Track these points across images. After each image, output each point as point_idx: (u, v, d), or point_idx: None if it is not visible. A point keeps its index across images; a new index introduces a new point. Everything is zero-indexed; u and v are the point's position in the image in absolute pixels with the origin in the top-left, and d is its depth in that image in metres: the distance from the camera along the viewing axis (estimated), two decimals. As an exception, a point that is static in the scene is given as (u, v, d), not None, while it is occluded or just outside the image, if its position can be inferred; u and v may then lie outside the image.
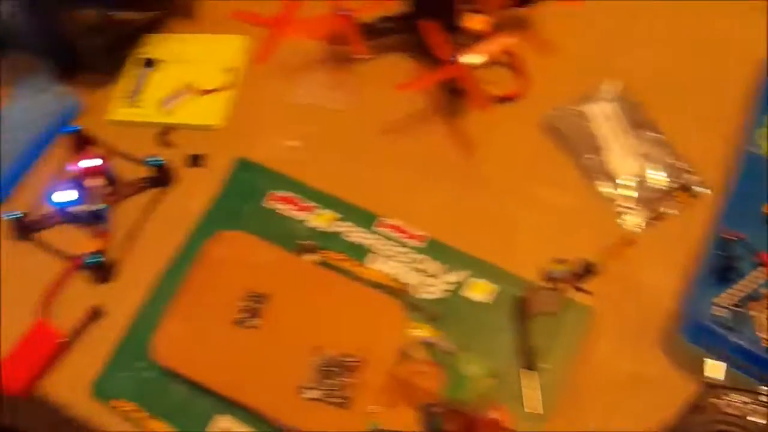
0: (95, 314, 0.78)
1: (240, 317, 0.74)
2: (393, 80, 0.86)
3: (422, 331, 0.72)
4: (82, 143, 0.88)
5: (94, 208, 0.83)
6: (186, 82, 0.91)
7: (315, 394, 0.69)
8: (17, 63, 0.96)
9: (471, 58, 0.81)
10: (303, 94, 0.89)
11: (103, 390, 0.74)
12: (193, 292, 0.76)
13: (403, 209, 0.80)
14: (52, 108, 0.90)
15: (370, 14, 0.89)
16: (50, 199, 0.84)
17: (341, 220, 0.81)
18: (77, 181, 0.84)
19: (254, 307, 0.74)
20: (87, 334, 0.78)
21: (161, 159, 0.84)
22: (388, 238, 0.79)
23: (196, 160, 0.86)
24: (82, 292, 0.80)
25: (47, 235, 0.85)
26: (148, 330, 0.75)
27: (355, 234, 0.80)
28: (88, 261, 0.79)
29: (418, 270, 0.77)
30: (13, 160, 0.87)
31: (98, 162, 0.83)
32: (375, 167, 0.85)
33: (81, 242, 0.83)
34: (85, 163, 0.83)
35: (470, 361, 0.70)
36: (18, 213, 0.83)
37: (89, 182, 0.83)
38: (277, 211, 0.82)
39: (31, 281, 0.81)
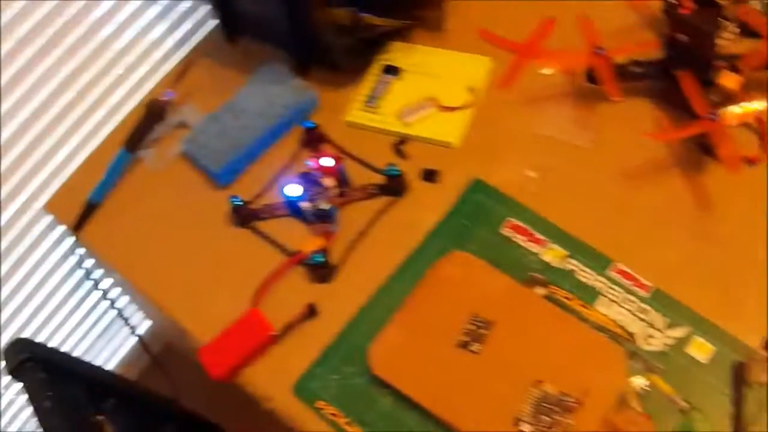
0: (310, 312, 0.80)
1: (462, 339, 0.74)
2: (638, 125, 0.86)
3: (641, 382, 0.72)
4: (316, 140, 0.93)
5: (322, 207, 0.86)
6: (427, 95, 0.95)
7: (529, 428, 0.69)
8: (251, 50, 1.02)
9: (730, 117, 0.81)
10: (546, 125, 0.90)
11: (305, 389, 0.76)
12: (418, 307, 0.77)
13: (633, 256, 0.80)
14: (288, 100, 0.94)
15: (623, 56, 0.89)
16: (282, 191, 0.88)
17: (571, 257, 0.81)
18: (310, 177, 0.88)
19: (478, 331, 0.74)
20: (298, 331, 0.80)
21: (398, 169, 0.87)
22: (616, 284, 0.79)
23: (430, 175, 0.89)
24: (299, 288, 0.82)
25: (267, 225, 0.89)
26: (361, 336, 0.77)
27: (585, 274, 0.80)
28: (310, 259, 0.82)
29: (641, 320, 0.77)
30: (242, 146, 0.91)
31: (332, 162, 0.88)
32: (610, 210, 0.84)
33: (303, 238, 0.85)
34: (324, 161, 0.88)
35: (701, 421, 0.70)
36: (240, 199, 0.87)
37: (325, 181, 0.88)
38: (511, 239, 0.83)
39: (245, 268, 0.85)
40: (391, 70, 0.95)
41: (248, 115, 0.93)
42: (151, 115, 0.93)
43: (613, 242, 0.81)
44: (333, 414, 0.74)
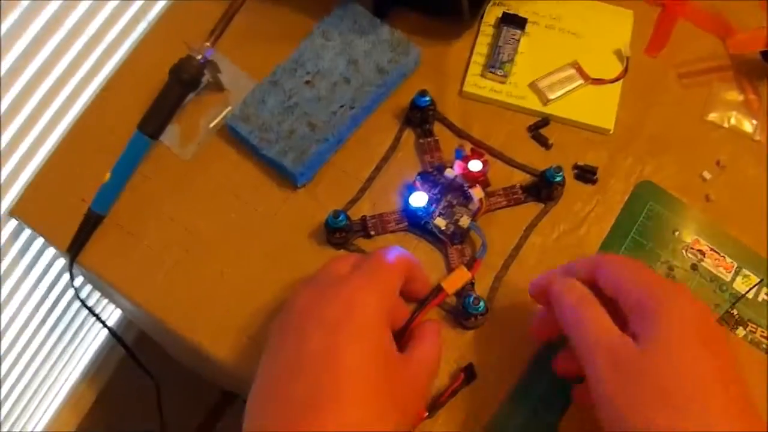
0: (468, 376, 0.61)
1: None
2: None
3: None
4: (424, 121, 0.69)
5: (463, 224, 0.64)
6: (567, 59, 0.72)
7: None
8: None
9: None
10: (714, 110, 0.72)
11: None
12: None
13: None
14: (383, 58, 0.69)
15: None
16: (407, 200, 0.65)
17: (766, 286, 0.66)
18: (431, 177, 0.66)
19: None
20: (452, 404, 0.60)
21: (561, 173, 0.65)
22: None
23: (587, 174, 0.68)
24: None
25: (372, 245, 0.66)
26: (533, 401, 0.60)
27: None
28: (466, 305, 0.61)
29: None
30: (324, 129, 0.66)
31: (480, 166, 0.65)
32: None
33: (434, 266, 0.65)
34: (473, 166, 0.64)
35: None
36: (345, 217, 0.63)
37: (474, 192, 0.64)
38: (700, 264, 0.66)
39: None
40: (514, 21, 0.70)
41: (325, 81, 0.66)
42: (182, 83, 0.64)
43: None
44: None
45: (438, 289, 0.60)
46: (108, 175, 0.65)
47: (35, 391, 0.99)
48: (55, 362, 1.01)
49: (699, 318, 0.48)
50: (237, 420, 0.49)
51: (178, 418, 0.99)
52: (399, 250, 0.55)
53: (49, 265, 0.82)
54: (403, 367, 0.51)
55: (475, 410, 0.59)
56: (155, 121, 0.65)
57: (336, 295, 0.50)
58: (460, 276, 0.60)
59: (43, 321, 0.89)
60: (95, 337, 1.09)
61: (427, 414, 0.57)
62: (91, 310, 0.71)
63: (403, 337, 0.56)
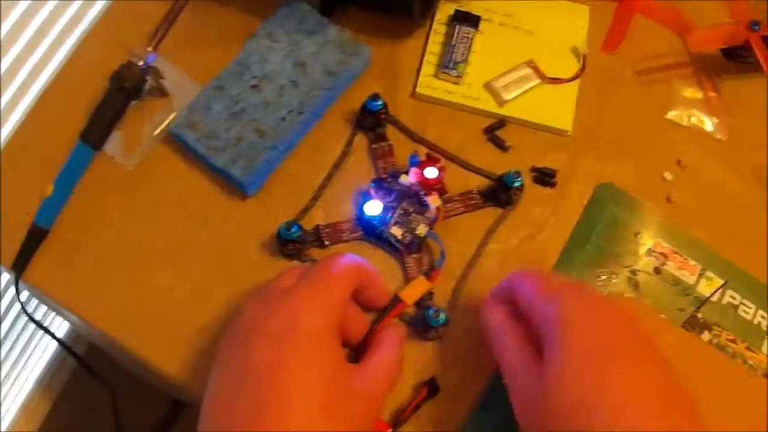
0: (431, 390, 0.59)
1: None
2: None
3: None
4: (375, 124, 0.67)
5: (419, 232, 0.62)
6: (523, 58, 0.70)
7: None
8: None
9: None
10: (674, 108, 0.70)
11: None
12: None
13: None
14: (331, 59, 0.67)
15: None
16: (361, 208, 0.63)
17: (729, 288, 0.65)
18: (384, 185, 0.64)
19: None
20: (415, 417, 0.59)
21: (521, 178, 0.63)
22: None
23: (546, 177, 0.67)
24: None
25: (324, 254, 0.64)
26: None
27: (746, 309, 0.65)
28: (427, 318, 0.59)
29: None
30: (273, 135, 0.64)
31: (437, 173, 0.63)
32: (761, 224, 0.67)
33: (391, 276, 0.63)
34: (429, 173, 0.62)
35: None
36: (299, 228, 0.61)
37: (430, 200, 0.62)
38: (663, 267, 0.65)
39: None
40: (467, 19, 0.68)
41: (272, 85, 0.64)
42: (123, 90, 0.61)
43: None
44: None
45: (396, 300, 0.58)
46: (50, 188, 0.62)
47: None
48: (7, 374, 0.97)
49: (594, 324, 0.48)
50: (192, 425, 0.49)
51: (134, 424, 0.96)
52: (349, 258, 0.54)
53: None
54: (355, 378, 0.50)
55: (439, 423, 0.58)
56: (97, 130, 0.63)
57: (280, 308, 0.49)
58: (419, 286, 0.59)
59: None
60: (46, 347, 1.06)
61: (390, 430, 0.55)
62: (39, 325, 0.68)
63: (362, 348, 0.54)
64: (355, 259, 0.55)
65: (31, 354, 1.02)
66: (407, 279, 0.61)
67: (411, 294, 0.58)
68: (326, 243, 0.62)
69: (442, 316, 0.57)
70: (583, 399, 0.45)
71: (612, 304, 0.51)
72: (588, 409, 0.45)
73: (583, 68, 0.68)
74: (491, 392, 0.58)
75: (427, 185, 0.60)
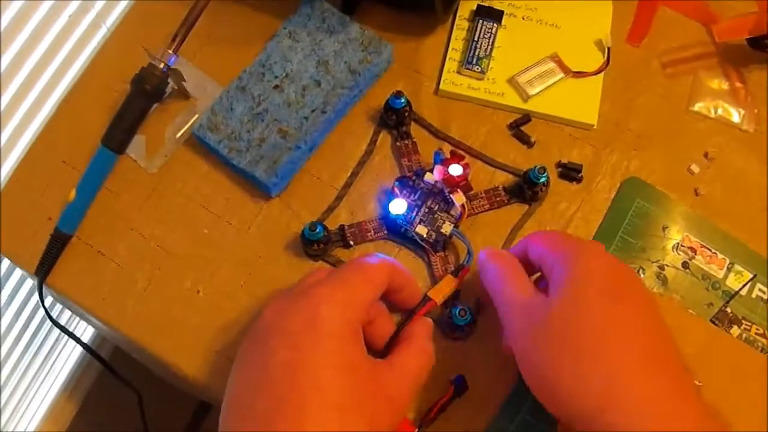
0: (458, 388, 0.59)
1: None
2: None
3: None
4: (399, 122, 0.67)
5: (445, 231, 0.62)
6: (547, 52, 0.70)
7: None
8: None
9: None
10: (701, 100, 0.69)
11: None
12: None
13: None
14: (354, 58, 0.66)
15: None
16: (386, 207, 0.62)
17: (758, 281, 0.64)
18: (407, 183, 0.64)
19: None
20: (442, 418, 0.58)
21: (546, 174, 0.63)
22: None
23: (572, 173, 0.66)
24: None
25: (351, 255, 0.63)
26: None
27: None
28: (452, 317, 0.58)
29: None
30: (296, 135, 0.63)
31: (461, 170, 0.62)
32: None
33: (418, 275, 0.63)
34: (454, 170, 0.61)
35: None
36: (323, 228, 0.61)
37: (455, 197, 0.62)
38: (692, 262, 0.64)
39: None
40: (490, 14, 0.67)
41: (294, 85, 0.63)
42: (145, 94, 0.61)
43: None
44: None
45: (425, 299, 0.57)
46: (73, 193, 0.62)
47: (15, 408, 0.97)
48: (34, 378, 0.98)
49: (605, 270, 0.49)
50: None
51: (161, 427, 0.97)
52: (379, 259, 0.53)
53: (19, 285, 0.79)
54: (380, 375, 0.49)
55: (466, 423, 0.57)
56: (119, 134, 0.63)
57: (301, 308, 0.49)
58: (448, 284, 0.58)
59: (17, 341, 0.86)
60: (72, 351, 1.06)
61: (416, 430, 0.54)
62: (64, 329, 0.68)
63: (390, 348, 0.54)
64: (386, 260, 0.54)
65: (56, 358, 1.02)
66: (433, 278, 0.60)
67: (440, 292, 0.58)
68: (351, 243, 0.61)
69: (468, 315, 0.56)
70: (585, 329, 0.47)
71: (625, 265, 0.52)
72: (580, 339, 0.46)
73: (607, 61, 0.67)
74: (516, 393, 0.57)
75: (452, 183, 0.60)
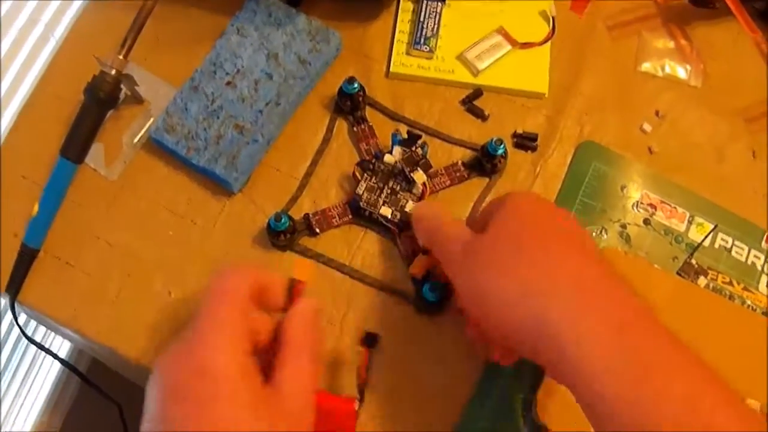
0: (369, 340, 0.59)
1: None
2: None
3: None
4: (353, 108, 0.68)
5: (408, 210, 0.63)
6: (493, 26, 0.71)
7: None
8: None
9: None
10: (647, 60, 0.71)
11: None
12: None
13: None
14: (303, 48, 0.67)
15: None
16: (357, 193, 0.63)
17: (720, 231, 0.66)
18: (368, 166, 0.64)
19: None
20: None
21: (503, 145, 0.64)
22: (775, 257, 0.64)
23: (527, 142, 0.67)
24: (399, 325, 0.61)
25: (318, 243, 0.64)
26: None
27: (739, 250, 0.66)
28: (423, 294, 0.60)
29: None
30: (253, 130, 0.64)
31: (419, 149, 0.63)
32: (744, 164, 0.68)
33: (388, 258, 0.64)
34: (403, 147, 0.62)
35: None
36: (288, 218, 0.61)
37: (416, 176, 0.63)
38: (652, 218, 0.65)
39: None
40: (435, -7, 0.68)
41: (246, 80, 0.64)
42: (99, 102, 0.61)
43: (757, 205, 0.67)
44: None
45: (292, 284, 0.50)
46: (36, 207, 0.62)
47: (-2, 431, 0.97)
48: (15, 397, 0.98)
49: (535, 200, 0.53)
50: None
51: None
52: (229, 275, 0.47)
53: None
54: (275, 404, 0.45)
55: (442, 399, 0.59)
56: (77, 144, 0.63)
57: (188, 364, 0.44)
58: (418, 265, 0.59)
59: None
60: (51, 367, 1.06)
61: (357, 402, 0.53)
62: (40, 346, 0.69)
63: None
64: (236, 272, 0.47)
65: (35, 376, 1.02)
66: (403, 257, 0.61)
67: (302, 270, 0.51)
68: (317, 230, 0.62)
69: (440, 292, 0.57)
70: (523, 237, 0.49)
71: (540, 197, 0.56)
72: (528, 244, 0.48)
73: (553, 30, 0.69)
74: (493, 365, 0.58)
75: (415, 161, 0.61)
